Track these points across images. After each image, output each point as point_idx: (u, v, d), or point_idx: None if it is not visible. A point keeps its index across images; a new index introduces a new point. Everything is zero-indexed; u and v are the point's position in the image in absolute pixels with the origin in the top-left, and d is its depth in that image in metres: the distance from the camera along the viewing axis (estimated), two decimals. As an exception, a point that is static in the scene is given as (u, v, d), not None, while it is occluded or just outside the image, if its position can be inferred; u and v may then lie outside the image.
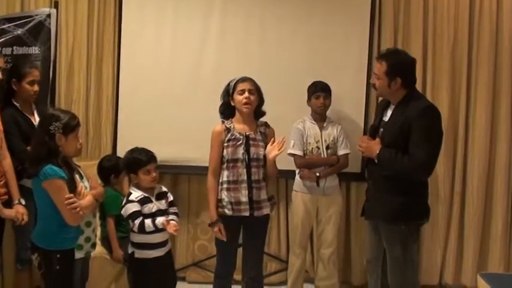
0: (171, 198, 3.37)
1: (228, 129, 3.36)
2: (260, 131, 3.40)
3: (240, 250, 3.52)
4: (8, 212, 3.17)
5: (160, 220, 3.18)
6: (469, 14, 4.24)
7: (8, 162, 3.28)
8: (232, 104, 3.38)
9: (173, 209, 3.35)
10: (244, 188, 3.31)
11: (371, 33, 4.24)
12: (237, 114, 3.40)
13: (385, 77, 3.11)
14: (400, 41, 4.27)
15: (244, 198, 3.31)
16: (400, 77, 3.09)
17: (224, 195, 3.35)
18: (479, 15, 4.21)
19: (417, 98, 3.15)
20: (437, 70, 4.28)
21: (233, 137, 3.34)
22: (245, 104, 3.31)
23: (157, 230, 3.20)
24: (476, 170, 4.27)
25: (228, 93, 3.39)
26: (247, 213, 3.32)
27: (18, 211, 3.19)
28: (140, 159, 3.24)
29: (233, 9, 4.30)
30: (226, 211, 3.34)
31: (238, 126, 3.38)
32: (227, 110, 3.42)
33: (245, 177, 3.31)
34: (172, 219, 3.24)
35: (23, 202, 3.24)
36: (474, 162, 4.27)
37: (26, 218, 3.19)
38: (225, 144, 3.34)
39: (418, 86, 3.32)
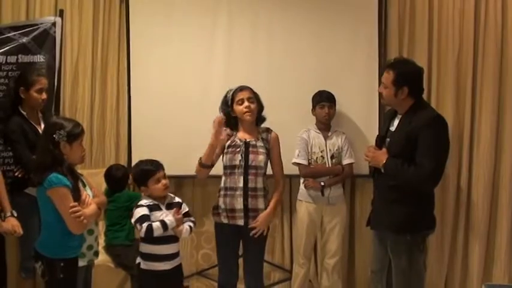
0: (186, 209, 3.31)
1: (230, 135, 3.38)
2: (262, 138, 3.40)
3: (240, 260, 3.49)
4: (6, 225, 3.11)
5: (170, 218, 3.12)
6: (474, 24, 4.21)
7: None
8: (233, 114, 3.39)
9: (189, 218, 3.30)
10: (240, 195, 3.30)
11: (380, 42, 4.22)
12: (239, 123, 3.42)
13: (392, 86, 3.11)
14: (405, 51, 4.25)
15: (238, 205, 3.30)
16: (407, 86, 3.08)
17: (221, 201, 3.36)
18: (484, 25, 4.19)
19: (424, 108, 3.15)
20: (442, 80, 4.26)
21: (233, 143, 3.36)
22: (246, 112, 3.33)
23: (165, 239, 3.13)
24: (482, 180, 4.22)
25: (227, 105, 3.40)
26: (241, 222, 3.31)
27: (13, 224, 3.11)
28: (148, 169, 3.21)
29: (239, 21, 4.29)
30: (222, 218, 3.35)
31: (240, 134, 3.40)
32: (230, 121, 3.41)
33: (241, 185, 3.30)
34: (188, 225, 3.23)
35: (15, 214, 3.17)
36: (479, 172, 4.23)
37: (20, 230, 3.11)
38: (225, 150, 3.36)
39: (423, 96, 3.31)
